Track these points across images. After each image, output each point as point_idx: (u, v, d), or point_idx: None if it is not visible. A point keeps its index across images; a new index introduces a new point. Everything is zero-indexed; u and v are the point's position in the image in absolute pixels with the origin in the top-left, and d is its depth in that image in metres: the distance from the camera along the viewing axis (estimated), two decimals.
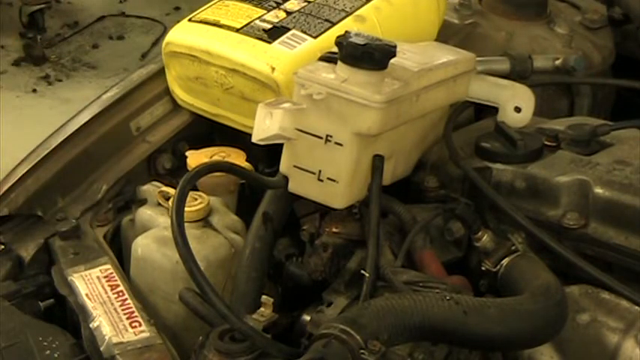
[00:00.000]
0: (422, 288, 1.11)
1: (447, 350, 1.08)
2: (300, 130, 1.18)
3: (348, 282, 1.19)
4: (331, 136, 1.18)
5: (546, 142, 1.33)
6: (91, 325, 1.22)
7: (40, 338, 1.20)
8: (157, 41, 4.31)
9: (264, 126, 1.17)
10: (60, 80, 4.34)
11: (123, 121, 1.54)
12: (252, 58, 1.38)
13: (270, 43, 1.39)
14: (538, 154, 1.31)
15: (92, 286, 1.29)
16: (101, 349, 1.18)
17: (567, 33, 1.76)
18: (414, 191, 1.35)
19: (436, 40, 1.53)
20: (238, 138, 1.48)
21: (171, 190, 1.39)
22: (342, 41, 1.16)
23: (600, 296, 1.16)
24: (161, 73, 1.56)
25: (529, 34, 1.76)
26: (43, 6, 4.33)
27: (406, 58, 1.26)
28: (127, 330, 1.20)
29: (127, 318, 1.22)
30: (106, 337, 1.19)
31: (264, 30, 1.41)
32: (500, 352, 1.14)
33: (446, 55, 1.36)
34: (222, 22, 1.44)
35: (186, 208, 1.32)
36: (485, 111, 1.48)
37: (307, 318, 1.17)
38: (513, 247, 1.23)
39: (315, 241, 1.23)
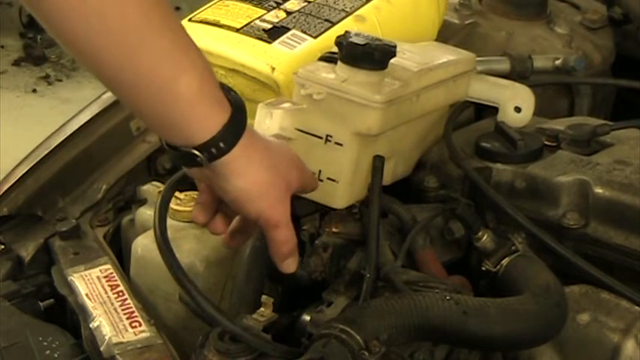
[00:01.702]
0: (422, 288, 1.11)
1: (447, 350, 1.08)
2: (300, 130, 1.18)
3: (348, 282, 1.19)
4: (331, 136, 1.18)
5: (546, 142, 1.33)
6: (91, 325, 1.22)
7: (40, 338, 1.20)
8: None
9: (264, 126, 1.17)
10: (60, 80, 4.35)
11: (123, 121, 1.54)
12: (252, 58, 1.38)
13: (270, 43, 1.39)
14: (538, 154, 1.31)
15: (92, 286, 1.29)
16: (101, 349, 1.18)
17: (567, 33, 1.76)
18: (414, 191, 1.35)
19: (436, 40, 1.53)
20: None
21: None
22: (342, 41, 1.16)
23: (600, 296, 1.15)
24: None
25: (529, 34, 1.75)
26: None
27: (406, 58, 1.26)
28: (127, 330, 1.20)
29: (127, 318, 1.22)
30: (106, 337, 1.19)
31: (264, 30, 1.41)
32: (501, 352, 1.14)
33: (446, 55, 1.36)
34: (222, 22, 1.44)
35: (186, 208, 1.33)
36: (485, 111, 1.48)
37: (307, 318, 1.16)
38: (513, 247, 1.23)
39: (315, 241, 1.23)
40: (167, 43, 0.93)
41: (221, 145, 0.97)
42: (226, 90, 1.00)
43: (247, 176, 1.00)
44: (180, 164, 1.03)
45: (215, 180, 1.02)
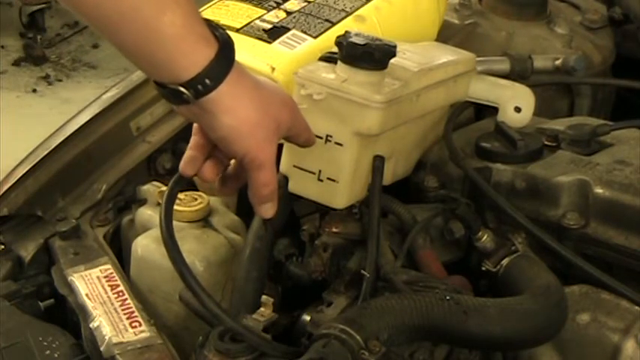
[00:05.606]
0: (422, 288, 1.11)
1: (447, 350, 1.08)
2: None
3: (348, 282, 1.19)
4: (331, 136, 1.18)
5: (546, 142, 1.33)
6: (91, 325, 1.22)
7: (40, 338, 1.20)
8: None
9: None
10: (60, 80, 4.35)
11: (123, 121, 1.54)
12: (252, 58, 1.38)
13: (270, 43, 1.39)
14: (538, 154, 1.31)
15: (92, 286, 1.29)
16: (101, 349, 1.18)
17: (567, 33, 1.76)
18: (414, 191, 1.35)
19: (436, 40, 1.54)
20: None
21: None
22: (342, 41, 1.16)
23: (600, 296, 1.16)
24: None
25: (529, 34, 1.76)
26: (43, 6, 4.34)
27: (406, 58, 1.26)
28: (127, 330, 1.20)
29: (127, 318, 1.22)
30: (106, 337, 1.19)
31: (264, 30, 1.41)
32: (500, 352, 1.14)
33: (446, 55, 1.36)
34: (222, 22, 1.44)
35: (186, 208, 1.33)
36: (485, 111, 1.48)
37: (307, 318, 1.17)
38: (513, 247, 1.23)
39: (315, 241, 1.23)
40: None
41: (207, 81, 0.97)
42: (213, 27, 1.00)
43: (235, 113, 1.00)
44: (168, 102, 1.02)
45: (203, 118, 1.01)
